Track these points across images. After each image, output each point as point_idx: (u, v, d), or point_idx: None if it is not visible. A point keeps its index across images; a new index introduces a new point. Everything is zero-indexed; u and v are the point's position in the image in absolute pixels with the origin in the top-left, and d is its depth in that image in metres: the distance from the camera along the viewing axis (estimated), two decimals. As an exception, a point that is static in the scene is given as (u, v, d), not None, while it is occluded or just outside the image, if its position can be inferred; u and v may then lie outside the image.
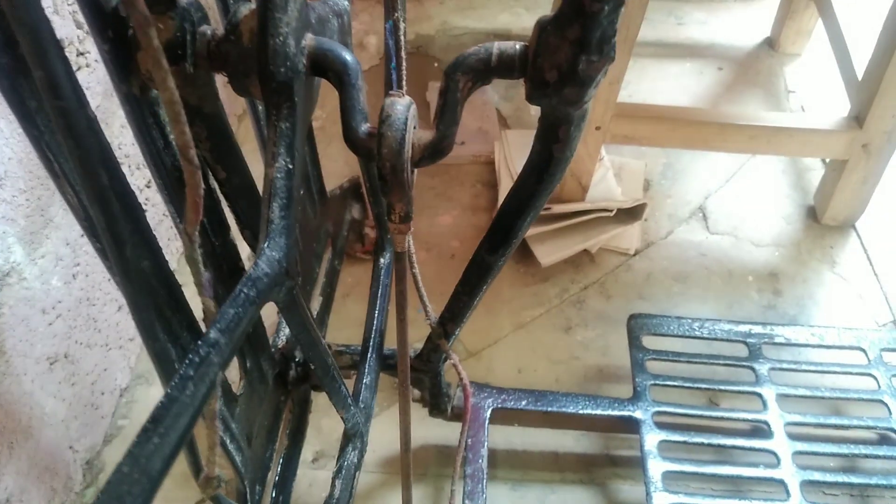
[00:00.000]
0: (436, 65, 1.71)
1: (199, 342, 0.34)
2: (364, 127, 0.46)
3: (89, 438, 1.04)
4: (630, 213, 1.33)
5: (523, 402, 1.00)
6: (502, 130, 1.51)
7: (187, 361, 0.33)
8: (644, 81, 1.66)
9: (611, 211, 1.31)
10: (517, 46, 0.46)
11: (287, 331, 0.93)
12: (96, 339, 1.04)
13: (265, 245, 0.43)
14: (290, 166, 0.45)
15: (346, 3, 0.60)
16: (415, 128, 0.46)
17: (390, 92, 0.45)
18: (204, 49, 0.47)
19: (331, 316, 1.07)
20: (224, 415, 0.68)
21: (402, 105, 0.44)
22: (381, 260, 1.03)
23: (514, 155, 1.40)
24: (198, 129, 0.53)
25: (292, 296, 0.49)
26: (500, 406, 0.99)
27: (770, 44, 1.75)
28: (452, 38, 1.77)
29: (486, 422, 0.98)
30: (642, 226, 1.37)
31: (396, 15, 0.58)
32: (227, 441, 0.70)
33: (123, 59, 0.45)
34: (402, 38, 0.59)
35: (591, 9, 0.41)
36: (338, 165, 1.39)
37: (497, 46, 0.46)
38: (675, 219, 1.42)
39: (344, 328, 1.13)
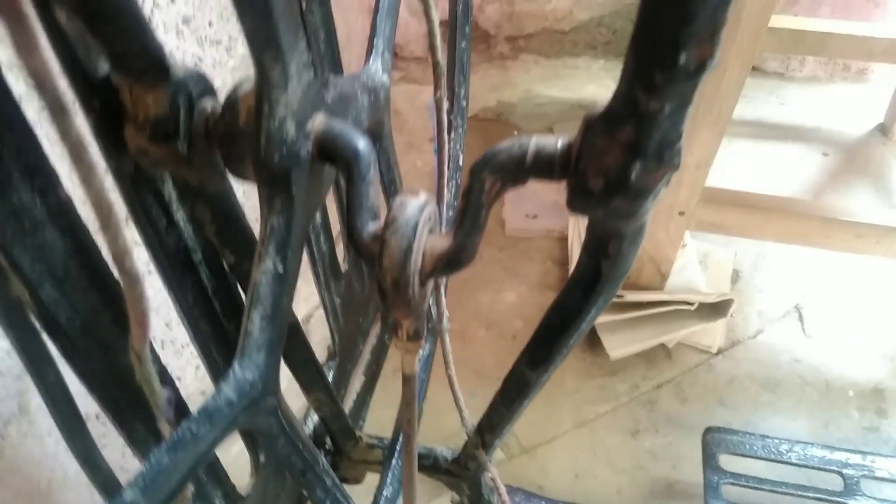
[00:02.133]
0: (515, 133, 1.64)
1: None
2: (370, 227, 0.39)
3: (111, 506, 1.00)
4: (714, 309, 1.20)
5: (573, 522, 0.88)
6: (579, 206, 1.42)
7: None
8: (737, 164, 1.53)
9: (692, 304, 1.19)
10: (559, 144, 0.38)
11: (316, 417, 0.86)
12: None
13: (235, 364, 0.36)
14: (280, 269, 0.38)
15: (386, 77, 0.53)
16: (431, 231, 0.39)
17: (402, 190, 0.38)
18: (202, 127, 0.41)
19: (376, 394, 1.00)
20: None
21: (413, 207, 0.37)
22: (421, 351, 0.95)
23: (588, 234, 1.30)
24: (201, 212, 0.47)
25: (276, 417, 0.41)
26: (546, 523, 0.88)
27: (882, 130, 1.60)
28: (535, 106, 1.70)
29: (530, 539, 0.87)
30: (728, 322, 1.24)
31: (438, 94, 0.51)
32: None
33: (112, 133, 0.40)
34: (444, 118, 0.52)
35: (647, 108, 0.32)
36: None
37: (534, 142, 0.38)
38: (766, 317, 1.27)
39: (390, 407, 1.05)
